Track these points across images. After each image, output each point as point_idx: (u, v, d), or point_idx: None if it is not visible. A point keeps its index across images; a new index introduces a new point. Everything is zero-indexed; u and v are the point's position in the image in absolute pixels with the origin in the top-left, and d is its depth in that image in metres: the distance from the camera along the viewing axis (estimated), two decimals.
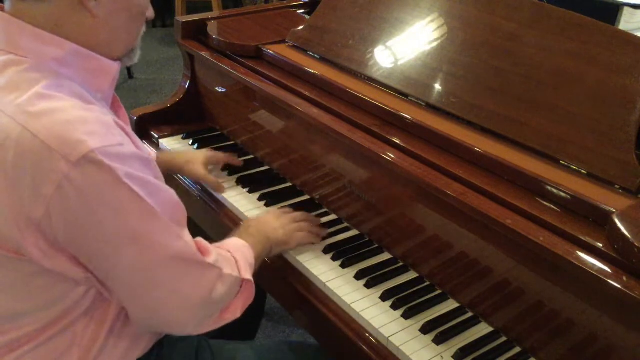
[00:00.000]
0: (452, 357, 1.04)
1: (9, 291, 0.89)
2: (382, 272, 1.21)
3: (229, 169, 1.53)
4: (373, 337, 1.09)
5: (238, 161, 1.54)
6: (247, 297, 1.05)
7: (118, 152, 0.82)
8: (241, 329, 1.53)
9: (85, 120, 0.82)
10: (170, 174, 1.51)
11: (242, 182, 1.48)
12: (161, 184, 0.91)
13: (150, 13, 0.99)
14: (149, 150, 1.59)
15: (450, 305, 1.15)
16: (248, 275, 1.04)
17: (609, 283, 0.87)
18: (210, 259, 0.96)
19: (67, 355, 0.93)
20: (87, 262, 0.87)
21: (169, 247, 0.89)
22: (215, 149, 1.57)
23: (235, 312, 1.03)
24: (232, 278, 1.00)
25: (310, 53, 1.53)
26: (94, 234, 0.83)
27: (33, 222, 0.81)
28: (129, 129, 0.94)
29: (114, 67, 0.95)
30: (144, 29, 1.00)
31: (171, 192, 0.93)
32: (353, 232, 1.33)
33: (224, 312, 1.02)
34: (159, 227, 0.88)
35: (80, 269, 0.87)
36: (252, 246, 1.11)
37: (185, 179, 1.53)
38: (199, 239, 1.00)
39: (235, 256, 1.05)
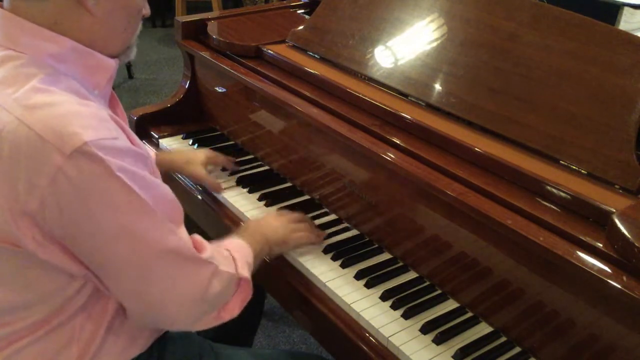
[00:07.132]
0: (452, 357, 1.04)
1: (5, 283, 0.89)
2: (382, 272, 1.21)
3: (230, 169, 1.53)
4: (373, 337, 1.09)
5: (236, 166, 1.54)
6: (245, 296, 1.05)
7: (112, 145, 0.83)
8: (238, 331, 1.52)
9: (81, 114, 0.82)
10: (170, 174, 1.51)
11: (242, 182, 1.48)
12: (156, 180, 0.91)
13: (146, 10, 0.99)
14: (148, 149, 1.58)
15: (450, 305, 1.15)
16: (245, 273, 1.04)
17: (609, 283, 0.87)
18: (205, 255, 0.96)
19: (66, 351, 0.93)
20: (82, 256, 0.87)
21: (162, 241, 0.89)
22: (215, 149, 1.57)
23: (233, 310, 1.03)
24: (229, 275, 0.99)
25: (310, 53, 1.53)
26: (87, 228, 0.83)
27: (28, 214, 0.81)
28: (126, 126, 0.94)
29: (111, 64, 0.96)
30: (140, 26, 1.00)
31: (166, 189, 0.93)
32: (353, 232, 1.33)
33: (221, 311, 1.01)
34: (152, 221, 0.87)
35: (74, 262, 0.87)
36: (250, 245, 1.11)
37: (186, 179, 1.53)
38: (195, 235, 1.00)
39: (233, 254, 1.05)
